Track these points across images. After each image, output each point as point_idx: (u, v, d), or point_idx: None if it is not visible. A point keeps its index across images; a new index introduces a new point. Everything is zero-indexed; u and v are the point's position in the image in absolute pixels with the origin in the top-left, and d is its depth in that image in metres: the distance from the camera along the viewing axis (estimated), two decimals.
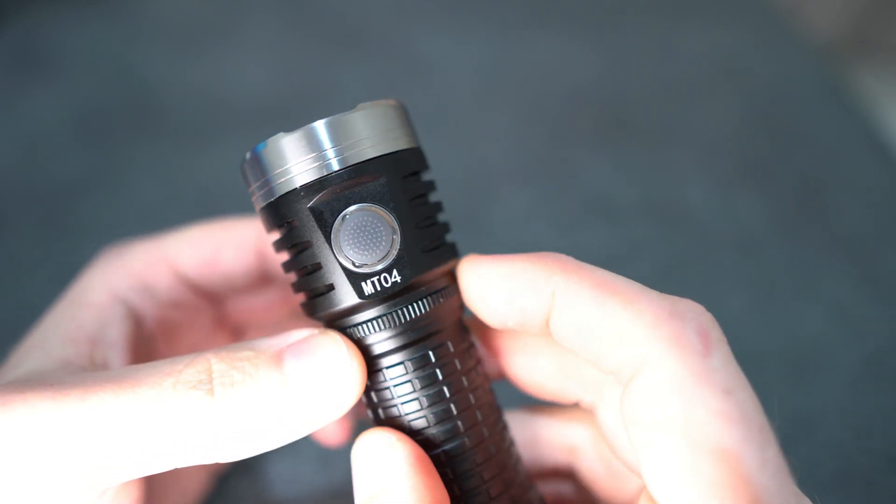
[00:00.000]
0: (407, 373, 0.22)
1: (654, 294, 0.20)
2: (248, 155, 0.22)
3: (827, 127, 0.54)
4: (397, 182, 0.21)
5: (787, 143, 0.52)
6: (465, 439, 0.22)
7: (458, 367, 0.22)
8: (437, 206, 0.23)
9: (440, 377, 0.22)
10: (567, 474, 0.27)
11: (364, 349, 0.22)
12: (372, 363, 0.22)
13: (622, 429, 0.23)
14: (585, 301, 0.20)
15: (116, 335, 0.26)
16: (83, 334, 0.25)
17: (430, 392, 0.22)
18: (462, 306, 0.24)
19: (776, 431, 0.19)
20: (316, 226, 0.21)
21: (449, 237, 0.23)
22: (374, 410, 0.23)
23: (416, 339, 0.22)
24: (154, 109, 0.54)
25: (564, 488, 0.27)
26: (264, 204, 0.22)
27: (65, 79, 0.56)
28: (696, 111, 0.55)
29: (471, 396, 0.22)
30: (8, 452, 0.20)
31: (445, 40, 0.61)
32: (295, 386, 0.20)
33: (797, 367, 0.38)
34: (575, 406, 0.25)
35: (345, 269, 0.21)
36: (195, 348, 0.29)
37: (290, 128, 0.21)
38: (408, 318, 0.21)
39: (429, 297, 0.22)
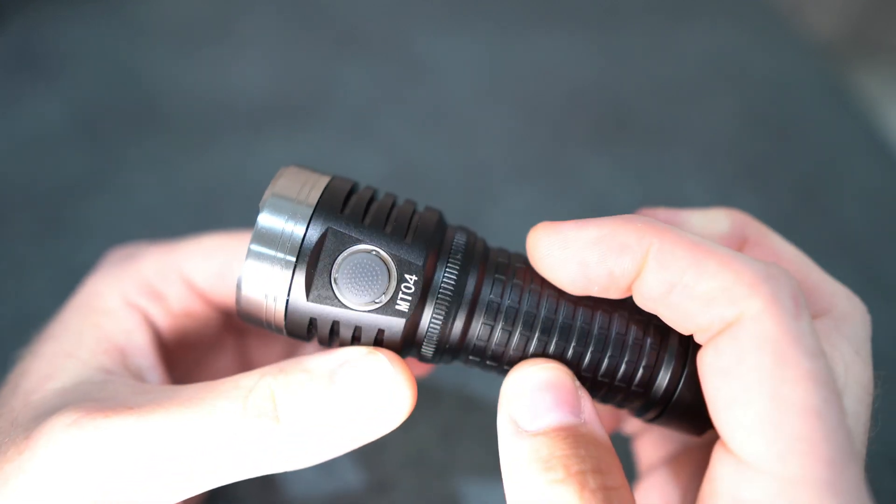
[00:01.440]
0: (495, 314, 0.22)
1: (745, 256, 0.20)
2: (238, 305, 0.23)
3: (827, 127, 0.54)
4: (338, 220, 0.22)
5: (787, 143, 0.52)
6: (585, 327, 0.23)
7: (525, 278, 0.23)
8: (389, 199, 0.24)
9: (523, 292, 0.23)
10: None
11: (447, 337, 0.23)
12: (463, 338, 0.23)
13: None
14: (681, 260, 0.20)
15: (142, 343, 0.26)
16: (112, 343, 0.25)
17: (527, 309, 0.22)
18: (476, 236, 0.24)
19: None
20: (328, 307, 0.22)
21: (419, 211, 0.24)
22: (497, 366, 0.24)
23: (474, 292, 0.22)
24: (154, 109, 0.54)
25: None
26: (285, 331, 0.23)
27: (65, 79, 0.56)
28: (696, 111, 0.55)
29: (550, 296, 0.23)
30: (96, 473, 0.21)
31: (445, 40, 0.61)
32: (348, 404, 0.22)
33: None
34: None
35: (375, 312, 0.22)
36: (205, 359, 0.30)
37: (310, 155, 0.22)
38: (451, 289, 0.22)
39: (449, 261, 0.22)
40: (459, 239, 0.23)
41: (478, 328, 0.23)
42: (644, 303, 0.22)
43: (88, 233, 0.45)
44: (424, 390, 0.36)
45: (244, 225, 0.44)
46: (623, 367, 0.23)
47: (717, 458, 0.20)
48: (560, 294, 0.23)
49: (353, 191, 0.23)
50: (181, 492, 0.21)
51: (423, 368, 0.30)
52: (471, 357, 0.23)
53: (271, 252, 0.22)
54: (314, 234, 0.22)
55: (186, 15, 0.64)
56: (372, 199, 0.23)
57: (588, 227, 0.22)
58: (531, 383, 0.22)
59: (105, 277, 0.27)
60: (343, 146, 0.51)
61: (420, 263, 0.22)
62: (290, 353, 0.32)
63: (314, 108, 0.54)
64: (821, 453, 0.18)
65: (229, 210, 0.46)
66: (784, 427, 0.18)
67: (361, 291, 0.22)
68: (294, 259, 0.22)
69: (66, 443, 0.21)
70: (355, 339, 0.23)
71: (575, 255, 0.22)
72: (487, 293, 0.22)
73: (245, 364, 0.32)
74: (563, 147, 0.52)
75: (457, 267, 0.22)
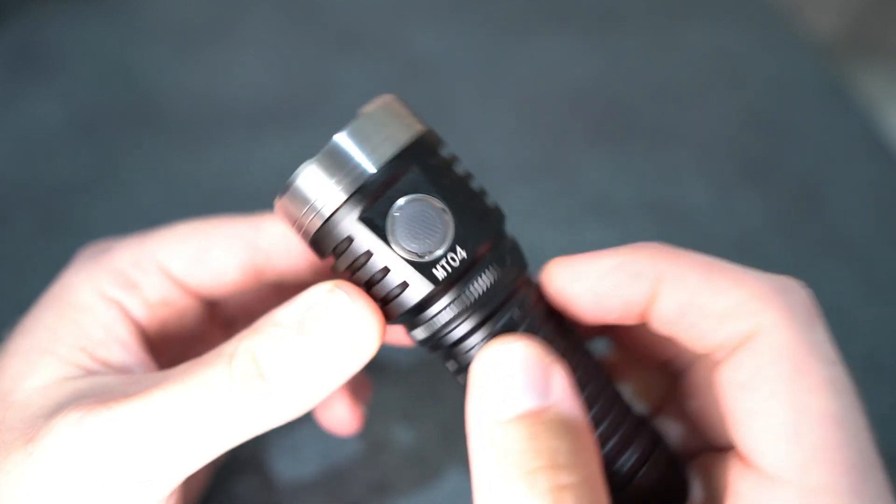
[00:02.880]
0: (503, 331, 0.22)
1: (756, 272, 0.21)
2: (280, 196, 0.22)
3: (826, 127, 0.54)
4: (427, 166, 0.22)
5: (787, 143, 0.52)
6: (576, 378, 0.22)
7: (546, 313, 0.23)
8: (469, 175, 0.24)
9: (537, 325, 0.22)
10: None
11: (454, 331, 0.22)
12: (463, 341, 0.23)
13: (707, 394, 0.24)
14: (695, 281, 0.21)
15: (123, 335, 0.26)
16: (91, 339, 0.25)
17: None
18: (524, 265, 0.24)
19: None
20: (372, 233, 0.21)
21: (489, 201, 0.24)
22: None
23: (498, 306, 0.22)
24: (154, 109, 0.54)
25: None
26: (313, 235, 0.22)
27: (65, 78, 0.56)
28: (696, 111, 0.55)
29: (566, 335, 0.23)
30: (108, 465, 0.21)
31: (445, 40, 0.61)
32: (321, 347, 0.22)
33: None
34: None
35: (412, 263, 0.21)
36: (188, 347, 0.29)
37: (309, 155, 0.22)
38: (486, 288, 0.22)
39: (494, 263, 0.22)
40: (514, 244, 0.24)
41: (483, 333, 0.22)
42: (661, 327, 0.22)
43: (88, 233, 0.44)
44: (424, 390, 0.36)
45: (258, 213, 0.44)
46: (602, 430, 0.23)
47: (737, 474, 0.20)
48: (574, 343, 0.23)
49: (440, 150, 0.23)
50: (188, 465, 0.22)
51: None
52: (452, 361, 0.23)
53: (352, 155, 0.21)
54: (398, 164, 0.21)
55: (186, 15, 0.64)
56: (453, 167, 0.23)
57: (601, 258, 0.22)
58: (492, 365, 0.21)
59: (78, 272, 0.27)
60: None
61: (476, 244, 0.22)
62: None
63: (314, 108, 0.54)
64: (843, 461, 0.18)
65: (229, 210, 0.46)
66: (805, 436, 0.18)
67: (413, 237, 0.21)
68: (370, 173, 0.21)
69: (76, 443, 0.21)
70: (371, 282, 0.22)
71: (590, 287, 0.22)
72: (511, 306, 0.22)
73: None
74: (563, 147, 0.52)
75: (501, 268, 0.22)
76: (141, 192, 0.47)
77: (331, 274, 0.24)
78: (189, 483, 0.28)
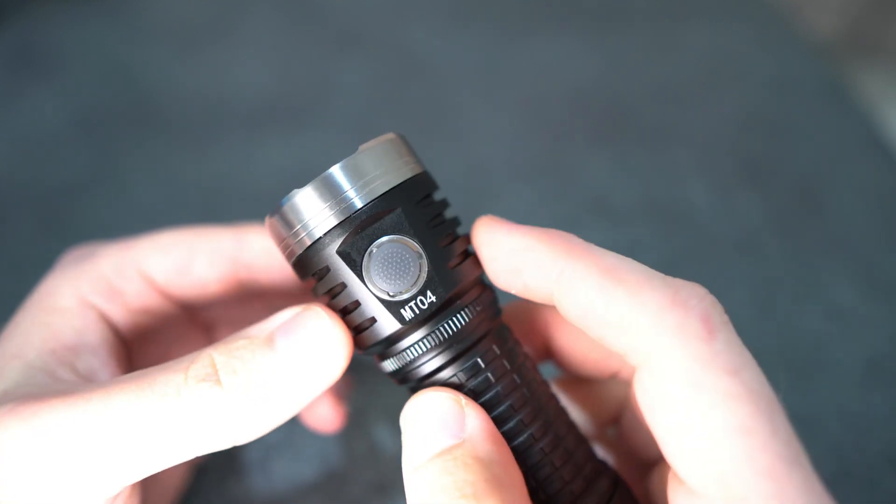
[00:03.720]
0: (461, 382, 0.23)
1: (658, 280, 0.20)
2: (270, 216, 0.23)
3: (826, 127, 0.54)
4: (412, 209, 0.22)
5: (787, 143, 0.52)
6: (531, 431, 0.23)
7: (508, 366, 0.23)
8: (454, 222, 0.24)
9: (493, 380, 0.23)
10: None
11: (417, 370, 0.23)
12: (425, 381, 0.23)
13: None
14: (590, 287, 0.20)
15: (95, 342, 0.26)
16: (61, 343, 0.25)
17: (488, 396, 0.23)
18: (499, 308, 0.24)
19: (783, 403, 0.20)
20: (346, 267, 0.22)
21: (471, 248, 0.24)
22: None
23: (462, 350, 0.23)
24: (154, 109, 0.54)
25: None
26: (295, 258, 0.23)
27: (65, 78, 0.56)
28: (696, 111, 0.55)
29: (526, 391, 0.23)
30: (39, 460, 0.20)
31: (445, 40, 0.61)
32: (288, 362, 0.22)
33: (797, 367, 0.38)
34: (609, 378, 0.27)
35: (382, 301, 0.22)
36: (169, 354, 0.29)
37: (301, 183, 0.22)
38: (451, 333, 0.22)
39: (466, 308, 0.23)
40: (488, 298, 0.24)
41: (446, 376, 0.23)
42: (568, 319, 0.22)
43: (88, 233, 0.44)
44: None
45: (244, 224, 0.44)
46: (560, 475, 0.23)
47: (673, 489, 0.20)
48: (539, 394, 0.23)
49: (432, 194, 0.24)
50: (128, 468, 0.21)
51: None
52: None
53: (343, 187, 0.22)
54: (385, 203, 0.22)
55: (186, 15, 0.64)
56: (442, 212, 0.24)
57: (513, 235, 0.22)
58: (413, 414, 0.22)
59: (60, 276, 0.27)
60: (343, 146, 0.51)
61: (446, 291, 0.22)
62: None
63: (314, 108, 0.54)
64: (760, 467, 0.18)
65: (229, 210, 0.46)
66: (716, 452, 0.18)
67: (386, 276, 0.22)
68: (355, 209, 0.22)
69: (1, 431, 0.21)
70: (346, 311, 0.23)
71: (500, 257, 0.22)
72: (478, 354, 0.23)
73: None
74: (564, 147, 0.52)
75: (471, 316, 0.23)
76: (141, 192, 0.47)
77: (311, 294, 0.24)
78: (154, 486, 0.28)
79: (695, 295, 0.20)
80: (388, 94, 0.56)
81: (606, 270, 0.21)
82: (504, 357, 0.23)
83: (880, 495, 0.33)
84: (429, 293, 0.22)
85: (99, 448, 0.21)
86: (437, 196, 0.24)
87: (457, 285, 0.22)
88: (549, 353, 0.27)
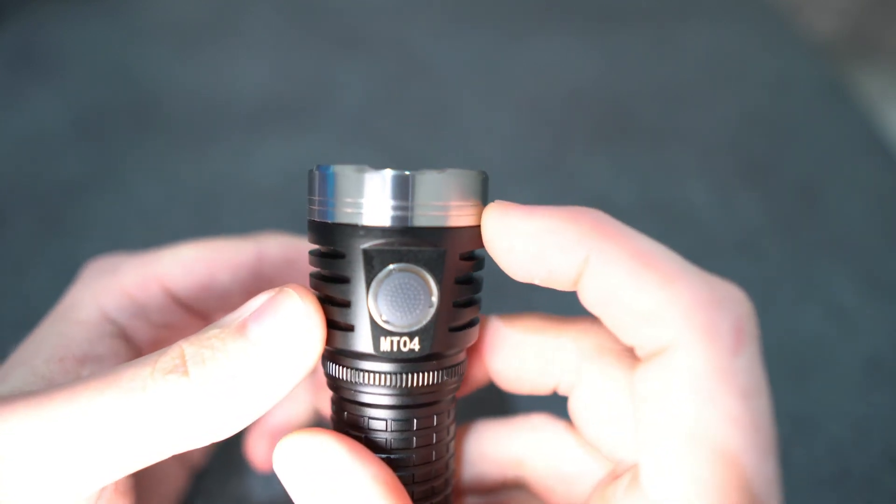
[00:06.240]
0: (386, 430, 0.22)
1: (693, 273, 0.19)
2: (326, 169, 0.22)
3: (826, 127, 0.54)
4: (454, 257, 0.21)
5: (787, 143, 0.52)
6: (415, 471, 0.22)
7: (434, 439, 0.23)
8: (478, 286, 0.23)
9: (415, 442, 0.22)
10: (517, 485, 0.27)
11: (356, 393, 0.22)
12: (358, 404, 0.22)
13: (597, 407, 0.23)
14: (620, 271, 0.19)
15: (105, 354, 0.25)
16: (70, 352, 0.24)
17: (399, 456, 0.22)
18: (459, 381, 0.24)
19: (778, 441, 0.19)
20: (362, 268, 0.21)
21: (475, 318, 0.23)
22: (341, 426, 0.23)
23: (407, 405, 0.22)
24: (154, 109, 0.54)
25: (519, 497, 0.27)
26: (321, 220, 0.22)
27: (65, 78, 0.56)
28: (696, 111, 0.55)
29: (432, 469, 0.23)
30: (3, 462, 0.20)
31: (445, 40, 0.61)
32: (260, 348, 0.20)
33: (797, 367, 0.38)
34: (525, 417, 0.26)
35: (371, 319, 0.21)
36: None
37: (375, 165, 0.21)
38: (410, 386, 0.22)
39: (437, 371, 0.22)
40: (461, 370, 0.23)
41: (376, 415, 0.22)
42: (586, 305, 0.21)
43: (88, 233, 0.45)
44: None
45: (243, 224, 0.44)
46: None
47: (628, 493, 0.19)
48: (442, 474, 0.23)
49: (477, 251, 0.23)
50: (108, 469, 0.20)
51: None
52: (339, 412, 0.23)
53: (413, 198, 0.21)
54: (437, 236, 0.21)
55: (186, 15, 0.64)
56: (474, 273, 0.23)
57: (533, 217, 0.20)
58: (281, 457, 0.21)
59: (83, 290, 0.26)
60: (343, 146, 0.51)
61: (431, 349, 0.21)
62: None
63: (314, 108, 0.54)
64: (734, 500, 0.17)
65: (229, 210, 0.46)
66: (697, 471, 0.17)
67: (388, 301, 0.21)
68: (410, 224, 0.21)
69: None
70: (331, 300, 0.22)
71: (517, 244, 0.21)
72: (416, 416, 0.22)
73: None
74: (564, 147, 0.52)
75: (436, 381, 0.22)
76: (141, 192, 0.47)
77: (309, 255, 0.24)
78: (149, 488, 0.28)
79: (732, 297, 0.18)
80: (389, 95, 0.56)
81: (639, 254, 0.19)
82: (435, 430, 0.23)
83: (880, 495, 0.33)
84: (416, 340, 0.21)
85: (63, 448, 0.20)
86: (480, 253, 0.23)
87: (446, 349, 0.22)
88: (487, 371, 0.26)
